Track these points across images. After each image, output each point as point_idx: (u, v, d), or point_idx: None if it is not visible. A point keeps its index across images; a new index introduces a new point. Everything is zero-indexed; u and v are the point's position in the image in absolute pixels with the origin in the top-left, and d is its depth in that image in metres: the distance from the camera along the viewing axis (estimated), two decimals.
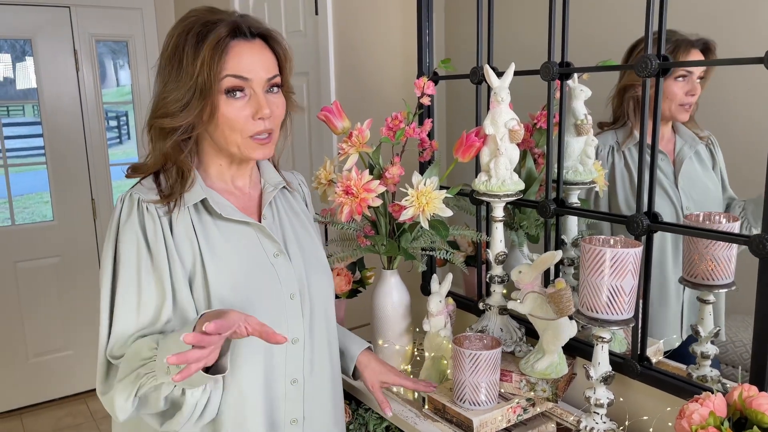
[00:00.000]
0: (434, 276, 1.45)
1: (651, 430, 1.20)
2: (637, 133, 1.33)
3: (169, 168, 1.10)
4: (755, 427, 0.86)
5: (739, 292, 1.17)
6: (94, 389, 3.72)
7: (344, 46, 2.07)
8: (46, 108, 3.28)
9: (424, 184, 1.31)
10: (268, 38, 1.10)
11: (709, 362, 1.21)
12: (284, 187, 1.25)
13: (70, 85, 3.32)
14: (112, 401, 1.02)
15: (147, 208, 1.07)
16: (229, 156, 1.14)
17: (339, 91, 2.13)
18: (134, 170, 1.13)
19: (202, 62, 1.02)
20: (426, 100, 1.42)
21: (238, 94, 1.06)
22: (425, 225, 1.31)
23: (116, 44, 3.59)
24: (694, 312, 1.29)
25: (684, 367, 1.25)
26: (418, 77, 1.62)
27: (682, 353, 1.29)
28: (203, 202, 1.11)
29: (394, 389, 1.45)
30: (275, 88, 1.11)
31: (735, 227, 1.17)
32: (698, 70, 1.21)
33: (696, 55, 1.20)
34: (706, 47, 1.19)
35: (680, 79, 1.22)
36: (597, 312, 1.08)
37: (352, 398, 1.50)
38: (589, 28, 1.36)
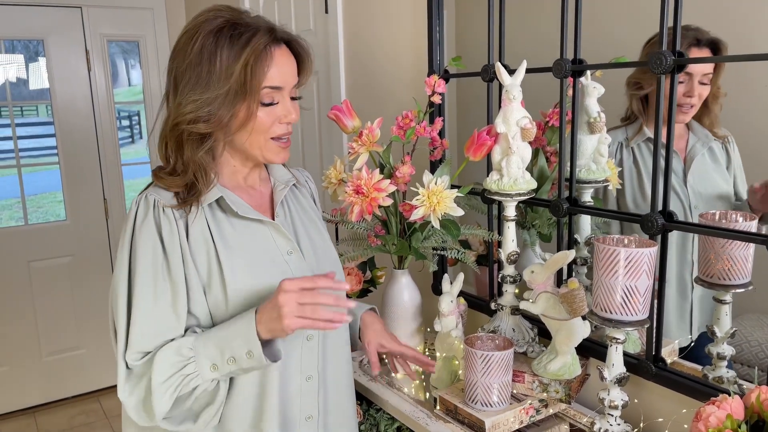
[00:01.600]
0: (445, 276, 1.44)
1: None
2: (646, 130, 1.32)
3: (188, 171, 1.09)
4: None
5: (755, 291, 1.16)
6: (107, 387, 3.76)
7: (354, 44, 2.06)
8: (59, 108, 3.30)
9: (435, 183, 1.30)
10: (293, 43, 1.11)
11: (725, 363, 1.20)
12: (294, 184, 1.25)
13: (82, 85, 3.34)
14: (144, 404, 1.02)
15: (163, 210, 1.07)
16: (244, 158, 1.15)
17: (349, 90, 2.12)
18: (160, 179, 1.10)
19: (245, 65, 1.02)
20: (437, 99, 1.41)
21: (273, 104, 1.08)
22: (436, 224, 1.30)
23: (128, 44, 3.61)
24: (704, 311, 1.27)
25: (699, 367, 1.23)
26: (429, 75, 1.61)
27: (696, 354, 1.27)
28: (218, 200, 1.12)
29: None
30: (295, 99, 1.13)
31: (752, 226, 1.15)
32: (700, 72, 1.19)
33: (699, 54, 1.18)
34: (714, 46, 1.16)
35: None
36: (611, 313, 1.06)
37: (363, 398, 1.49)
38: (602, 24, 1.34)
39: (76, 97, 3.33)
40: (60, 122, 3.31)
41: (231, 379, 1.09)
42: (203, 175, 1.08)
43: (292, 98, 1.12)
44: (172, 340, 1.05)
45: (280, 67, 1.06)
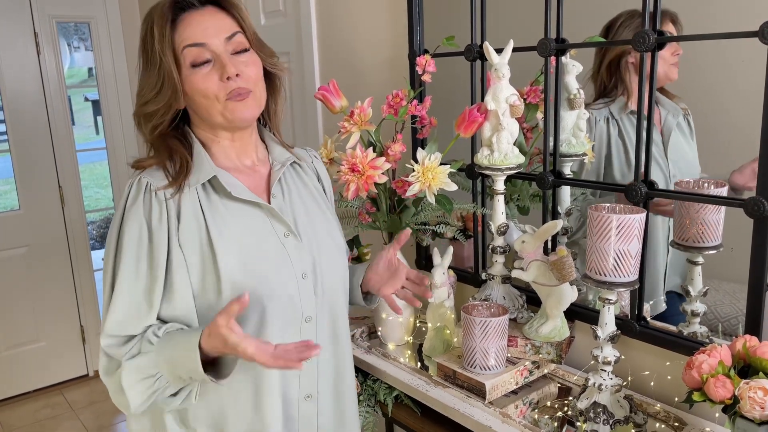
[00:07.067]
0: (435, 249, 1.50)
1: (652, 383, 1.28)
2: (630, 104, 1.40)
3: (174, 154, 1.12)
4: (761, 373, 0.94)
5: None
6: (71, 380, 3.69)
7: (327, 24, 2.07)
8: (7, 93, 3.16)
9: (429, 160, 1.34)
10: (218, 2, 1.11)
11: (698, 320, 1.30)
12: (295, 162, 1.24)
13: (31, 69, 3.20)
14: (116, 396, 1.07)
15: (156, 193, 1.08)
16: (221, 130, 1.14)
17: (323, 71, 2.13)
18: (137, 162, 1.15)
19: (160, 43, 1.06)
20: (427, 78, 1.45)
21: (204, 64, 1.08)
22: (431, 200, 1.35)
23: (69, 25, 3.47)
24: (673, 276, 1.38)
25: (672, 328, 1.33)
26: (409, 56, 1.65)
27: (664, 315, 1.37)
28: (212, 181, 1.11)
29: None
30: (244, 52, 1.11)
31: (723, 192, 1.25)
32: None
33: (669, 26, 1.27)
34: (672, 19, 1.26)
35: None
36: (604, 275, 1.14)
37: (360, 371, 1.54)
38: (574, 3, 1.40)
39: (25, 82, 3.19)
40: (9, 108, 3.18)
41: None
42: (180, 156, 1.11)
43: (239, 52, 1.10)
44: (148, 327, 1.07)
45: (193, 27, 1.07)
